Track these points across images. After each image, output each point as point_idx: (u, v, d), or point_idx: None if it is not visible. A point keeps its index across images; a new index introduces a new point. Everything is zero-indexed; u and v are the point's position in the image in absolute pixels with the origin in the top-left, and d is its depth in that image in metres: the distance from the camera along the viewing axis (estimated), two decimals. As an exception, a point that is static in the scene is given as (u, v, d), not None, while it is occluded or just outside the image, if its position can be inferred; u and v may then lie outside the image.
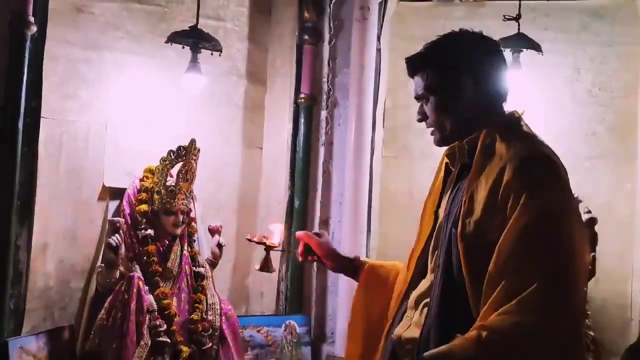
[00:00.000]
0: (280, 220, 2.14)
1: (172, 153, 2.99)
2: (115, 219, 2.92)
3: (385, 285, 1.98)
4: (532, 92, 3.48)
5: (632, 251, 3.48)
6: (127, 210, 3.00)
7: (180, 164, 3.00)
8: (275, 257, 3.64)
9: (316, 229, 3.70)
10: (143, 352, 2.76)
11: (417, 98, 1.77)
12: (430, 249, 1.78)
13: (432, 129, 1.77)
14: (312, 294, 3.67)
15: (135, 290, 2.79)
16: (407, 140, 3.78)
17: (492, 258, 1.54)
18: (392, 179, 3.78)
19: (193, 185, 3.07)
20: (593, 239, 3.24)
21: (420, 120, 1.79)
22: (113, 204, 3.07)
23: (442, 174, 1.84)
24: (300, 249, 2.08)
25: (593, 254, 3.21)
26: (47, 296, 2.81)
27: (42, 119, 2.75)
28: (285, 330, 3.48)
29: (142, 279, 2.86)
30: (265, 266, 2.20)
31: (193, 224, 3.17)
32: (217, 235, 3.28)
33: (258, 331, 3.41)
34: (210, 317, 3.04)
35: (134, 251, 2.96)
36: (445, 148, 1.82)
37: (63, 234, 2.88)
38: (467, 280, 1.59)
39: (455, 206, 1.70)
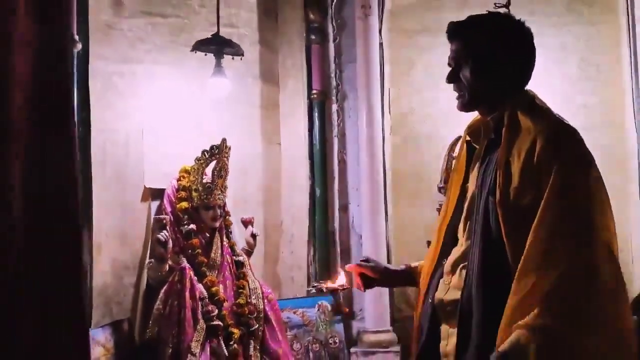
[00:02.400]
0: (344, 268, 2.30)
1: (205, 152, 3.23)
2: (161, 216, 3.16)
3: None
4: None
5: (628, 217, 3.79)
6: (169, 209, 3.24)
7: (214, 162, 3.25)
8: (302, 242, 3.92)
9: (336, 216, 3.97)
10: (200, 335, 2.99)
11: (454, 60, 1.85)
12: (462, 219, 1.88)
13: (460, 93, 1.86)
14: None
15: (188, 280, 3.02)
16: (413, 126, 4.06)
17: (529, 221, 1.67)
18: (400, 164, 4.04)
19: (227, 181, 3.31)
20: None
21: (450, 82, 1.86)
22: (154, 204, 3.30)
23: (464, 152, 1.95)
24: (357, 281, 2.12)
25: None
26: (106, 293, 3.03)
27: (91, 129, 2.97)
28: (318, 310, 3.73)
29: (191, 268, 3.10)
30: (339, 308, 2.31)
31: (228, 217, 3.42)
32: (250, 227, 3.52)
33: (294, 313, 3.66)
34: (254, 301, 3.28)
35: (180, 245, 3.19)
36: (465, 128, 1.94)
37: (113, 234, 3.10)
38: (506, 241, 1.70)
39: (488, 177, 1.80)
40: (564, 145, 1.72)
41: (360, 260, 2.14)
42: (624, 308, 1.68)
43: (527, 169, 1.71)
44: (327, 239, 3.94)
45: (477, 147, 1.90)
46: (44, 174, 1.83)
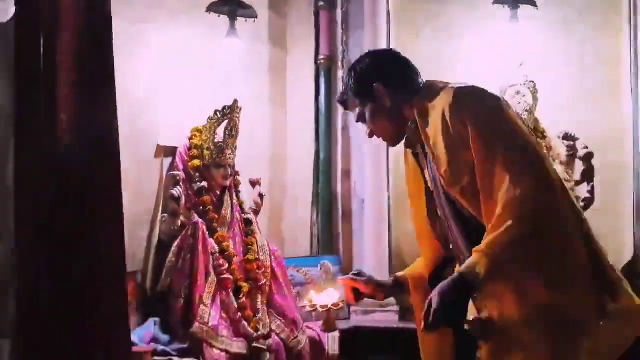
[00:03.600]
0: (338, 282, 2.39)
1: (218, 112, 3.31)
2: (175, 172, 3.25)
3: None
4: (528, 43, 3.90)
5: (624, 181, 3.95)
6: (181, 166, 3.32)
7: (226, 121, 3.34)
8: (306, 204, 4.03)
9: (339, 180, 4.06)
10: (211, 288, 3.10)
11: (359, 121, 2.09)
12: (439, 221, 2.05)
13: (382, 138, 2.08)
14: (340, 237, 4.05)
15: (201, 235, 3.13)
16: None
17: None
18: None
19: (237, 141, 3.40)
20: (590, 172, 3.71)
21: (371, 136, 2.09)
22: (167, 161, 3.38)
23: (411, 161, 2.12)
24: (349, 295, 2.24)
25: (592, 184, 3.67)
26: (119, 245, 3.12)
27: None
28: (321, 269, 3.85)
29: (204, 224, 3.20)
30: (330, 326, 2.35)
31: (237, 176, 3.51)
32: (257, 187, 3.62)
33: (298, 271, 3.78)
34: (262, 258, 3.39)
35: (191, 202, 3.29)
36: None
37: (127, 189, 3.17)
38: (474, 211, 1.87)
39: (435, 170, 1.97)
40: (466, 100, 1.87)
41: (352, 274, 2.25)
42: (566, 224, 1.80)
43: (449, 139, 1.86)
44: (330, 202, 4.04)
45: (418, 152, 2.05)
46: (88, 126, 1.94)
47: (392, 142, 2.10)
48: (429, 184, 2.05)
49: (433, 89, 1.97)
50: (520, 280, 1.79)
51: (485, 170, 1.81)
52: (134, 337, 2.90)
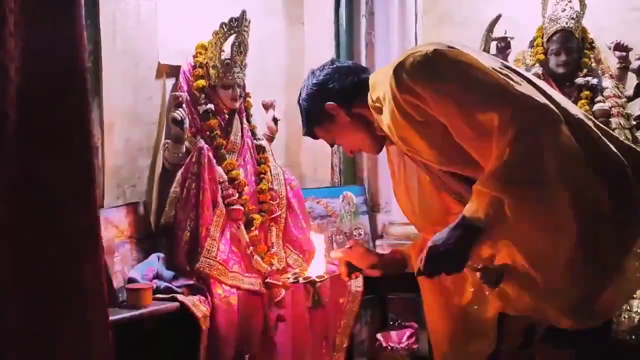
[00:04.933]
0: (318, 228, 2.17)
1: (224, 25, 2.96)
2: (177, 93, 2.94)
3: None
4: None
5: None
6: (185, 87, 3.01)
7: (233, 36, 2.99)
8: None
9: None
10: (219, 220, 2.82)
11: (333, 145, 2.17)
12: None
13: (363, 149, 2.09)
14: (364, 166, 3.74)
15: (206, 161, 2.82)
16: (448, 5, 3.74)
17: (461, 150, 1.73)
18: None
19: (246, 58, 3.06)
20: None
21: (351, 153, 2.16)
22: (170, 82, 3.06)
23: (396, 158, 2.07)
24: (342, 270, 2.12)
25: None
26: (119, 174, 2.85)
27: (95, -4, 2.70)
28: (343, 200, 3.56)
29: (211, 150, 2.90)
30: (317, 302, 2.24)
31: (248, 98, 3.19)
32: (271, 110, 3.31)
33: (318, 203, 3.50)
34: (276, 187, 3.10)
35: (197, 126, 2.98)
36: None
37: (127, 113, 2.88)
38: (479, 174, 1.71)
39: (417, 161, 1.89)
40: (406, 68, 1.72)
41: (347, 247, 2.12)
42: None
43: (410, 121, 1.74)
44: (352, 127, 3.70)
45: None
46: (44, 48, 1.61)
47: (374, 150, 2.06)
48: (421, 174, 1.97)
49: (378, 80, 1.86)
50: (526, 214, 1.65)
51: (458, 124, 1.69)
52: (135, 274, 2.65)
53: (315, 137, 2.10)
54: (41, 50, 1.57)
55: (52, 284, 1.50)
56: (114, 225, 2.68)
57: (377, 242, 3.61)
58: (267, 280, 2.87)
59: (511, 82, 1.69)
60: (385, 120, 1.82)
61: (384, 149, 2.06)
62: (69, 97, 1.57)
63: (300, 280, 2.12)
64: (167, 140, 2.95)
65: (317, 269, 2.14)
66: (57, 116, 1.57)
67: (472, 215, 1.65)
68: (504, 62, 1.87)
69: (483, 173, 1.68)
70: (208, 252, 2.73)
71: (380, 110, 1.83)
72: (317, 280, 2.08)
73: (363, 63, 3.70)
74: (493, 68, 1.72)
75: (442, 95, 1.69)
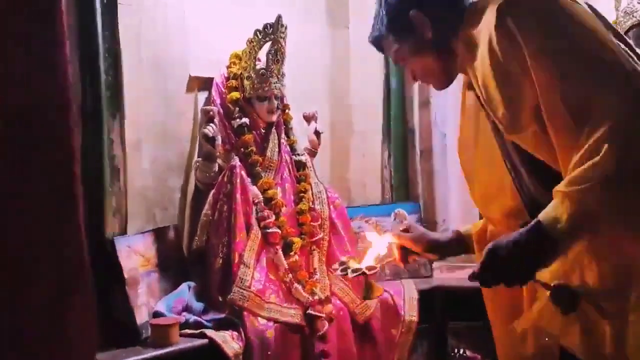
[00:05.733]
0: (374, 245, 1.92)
1: (258, 33, 2.72)
2: (207, 107, 2.72)
3: None
4: None
5: None
6: (218, 100, 2.78)
7: (269, 43, 2.74)
8: (375, 142, 3.42)
9: (415, 111, 3.44)
10: (254, 244, 2.57)
11: (398, 62, 1.81)
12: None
13: (428, 79, 1.77)
14: (419, 180, 3.43)
15: (238, 180, 2.58)
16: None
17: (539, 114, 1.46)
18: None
19: (284, 67, 2.81)
20: None
21: (415, 80, 1.81)
22: (202, 95, 2.84)
23: (472, 101, 1.72)
24: (397, 255, 1.89)
25: None
26: (147, 197, 2.64)
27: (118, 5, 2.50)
28: (395, 219, 3.25)
29: (244, 168, 2.65)
30: (370, 293, 1.91)
31: (287, 110, 2.93)
32: (313, 122, 3.05)
33: (366, 222, 3.20)
34: (318, 207, 2.82)
35: (230, 142, 2.75)
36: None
37: (155, 130, 2.68)
38: (546, 156, 1.49)
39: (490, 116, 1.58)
40: (512, 11, 1.47)
41: (401, 230, 1.91)
42: None
43: (501, 72, 1.49)
44: (404, 138, 3.41)
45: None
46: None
47: (440, 84, 1.76)
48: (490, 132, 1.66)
49: (478, 11, 1.57)
50: (620, 230, 1.42)
51: (552, 97, 1.42)
52: (161, 306, 2.42)
53: (379, 47, 1.81)
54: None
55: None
56: (139, 253, 2.46)
57: (434, 264, 3.28)
58: (309, 311, 2.58)
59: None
60: (473, 61, 1.56)
61: (462, 95, 1.78)
62: (48, 115, 1.33)
63: (350, 272, 1.88)
64: (198, 159, 2.73)
65: (368, 260, 1.91)
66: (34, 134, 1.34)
67: (551, 222, 1.39)
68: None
69: (564, 166, 1.43)
70: (241, 282, 2.48)
71: (470, 47, 1.58)
72: (368, 271, 1.85)
73: None
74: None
75: (545, 55, 1.43)
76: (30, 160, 1.34)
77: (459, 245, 1.90)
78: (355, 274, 1.81)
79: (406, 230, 1.88)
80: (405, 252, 1.88)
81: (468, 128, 1.77)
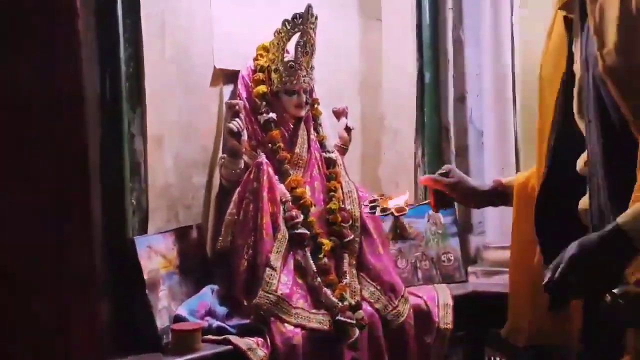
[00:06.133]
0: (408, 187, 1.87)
1: (287, 23, 2.59)
2: (233, 101, 2.58)
3: None
4: None
5: None
6: (244, 94, 2.65)
7: (298, 34, 2.61)
8: (408, 139, 3.27)
9: (450, 107, 3.28)
10: (281, 245, 2.44)
11: None
12: (576, 110, 1.56)
13: None
14: (454, 180, 3.27)
15: (265, 178, 2.45)
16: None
17: None
18: (532, 39, 3.24)
19: (313, 60, 2.67)
20: None
21: None
22: (227, 89, 2.71)
23: (558, 32, 1.60)
24: (431, 199, 1.85)
25: None
26: (169, 194, 2.51)
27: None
28: (428, 221, 3.10)
29: (271, 165, 2.52)
30: (397, 234, 1.92)
31: (316, 105, 2.79)
32: (343, 118, 2.90)
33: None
34: (348, 207, 2.68)
35: (257, 138, 2.62)
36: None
37: (178, 125, 2.55)
38: (629, 116, 1.35)
39: (591, 47, 1.43)
40: None
41: (438, 173, 1.87)
42: None
43: (625, 11, 1.34)
44: (439, 136, 3.27)
45: (573, 16, 1.54)
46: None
47: None
48: (576, 66, 1.53)
49: None
50: None
51: None
52: (183, 310, 2.29)
53: None
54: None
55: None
56: (160, 254, 2.33)
57: (470, 268, 3.12)
58: (338, 317, 2.43)
59: None
60: None
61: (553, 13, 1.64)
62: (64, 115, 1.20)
63: (378, 211, 1.87)
64: (223, 155, 2.60)
65: (398, 201, 1.94)
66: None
67: (632, 226, 1.28)
68: None
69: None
70: (267, 285, 2.35)
71: None
72: (396, 213, 1.86)
73: (450, 63, 3.29)
74: None
75: None
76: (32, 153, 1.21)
77: (498, 195, 1.84)
78: (383, 214, 1.83)
79: (445, 175, 1.81)
80: (439, 197, 1.83)
81: (552, 62, 1.63)
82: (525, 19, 3.24)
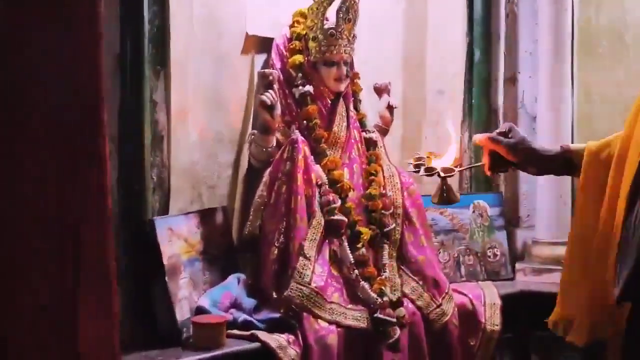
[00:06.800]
0: (454, 140, 1.73)
1: (327, -14, 2.35)
2: (266, 70, 2.36)
3: None
4: None
5: None
6: (278, 65, 2.42)
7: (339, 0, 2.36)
8: (454, 122, 3.02)
9: (500, 89, 3.03)
10: (316, 232, 2.23)
11: None
12: None
13: None
14: (502, 168, 3.03)
15: (300, 157, 2.23)
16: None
17: None
18: (592, 16, 2.97)
19: (356, 28, 2.43)
20: None
21: None
22: (259, 58, 2.48)
23: None
24: (486, 160, 1.64)
25: None
26: (193, 172, 2.30)
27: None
28: (473, 212, 2.86)
29: (307, 144, 2.28)
30: (444, 197, 1.69)
31: (357, 80, 2.56)
32: (385, 95, 2.67)
33: (441, 214, 2.81)
34: (390, 193, 2.45)
35: (291, 113, 2.39)
36: None
37: (204, 97, 2.33)
38: None
39: None
40: None
41: (497, 132, 1.64)
42: None
43: None
44: (487, 119, 3.01)
45: None
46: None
47: None
48: None
49: None
50: None
51: None
52: (205, 301, 2.08)
53: None
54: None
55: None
56: (182, 237, 2.12)
57: (517, 265, 2.87)
58: (377, 315, 2.21)
59: None
60: None
61: None
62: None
63: (422, 170, 1.67)
64: (253, 131, 2.38)
65: (447, 159, 1.72)
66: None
67: None
68: None
69: None
70: (300, 276, 2.14)
71: None
72: (442, 173, 1.63)
73: (502, 38, 3.05)
74: None
75: None
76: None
77: (564, 163, 1.63)
78: (427, 174, 1.62)
79: (504, 134, 1.59)
80: (496, 159, 1.62)
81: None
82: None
